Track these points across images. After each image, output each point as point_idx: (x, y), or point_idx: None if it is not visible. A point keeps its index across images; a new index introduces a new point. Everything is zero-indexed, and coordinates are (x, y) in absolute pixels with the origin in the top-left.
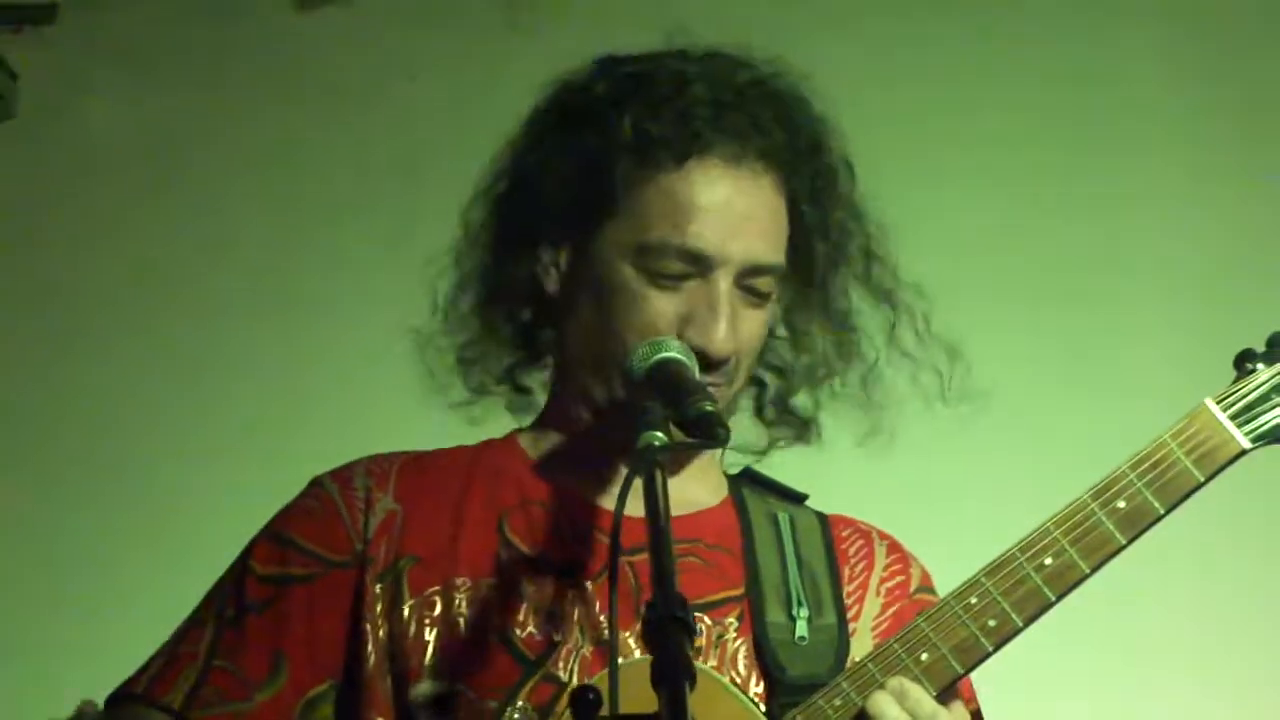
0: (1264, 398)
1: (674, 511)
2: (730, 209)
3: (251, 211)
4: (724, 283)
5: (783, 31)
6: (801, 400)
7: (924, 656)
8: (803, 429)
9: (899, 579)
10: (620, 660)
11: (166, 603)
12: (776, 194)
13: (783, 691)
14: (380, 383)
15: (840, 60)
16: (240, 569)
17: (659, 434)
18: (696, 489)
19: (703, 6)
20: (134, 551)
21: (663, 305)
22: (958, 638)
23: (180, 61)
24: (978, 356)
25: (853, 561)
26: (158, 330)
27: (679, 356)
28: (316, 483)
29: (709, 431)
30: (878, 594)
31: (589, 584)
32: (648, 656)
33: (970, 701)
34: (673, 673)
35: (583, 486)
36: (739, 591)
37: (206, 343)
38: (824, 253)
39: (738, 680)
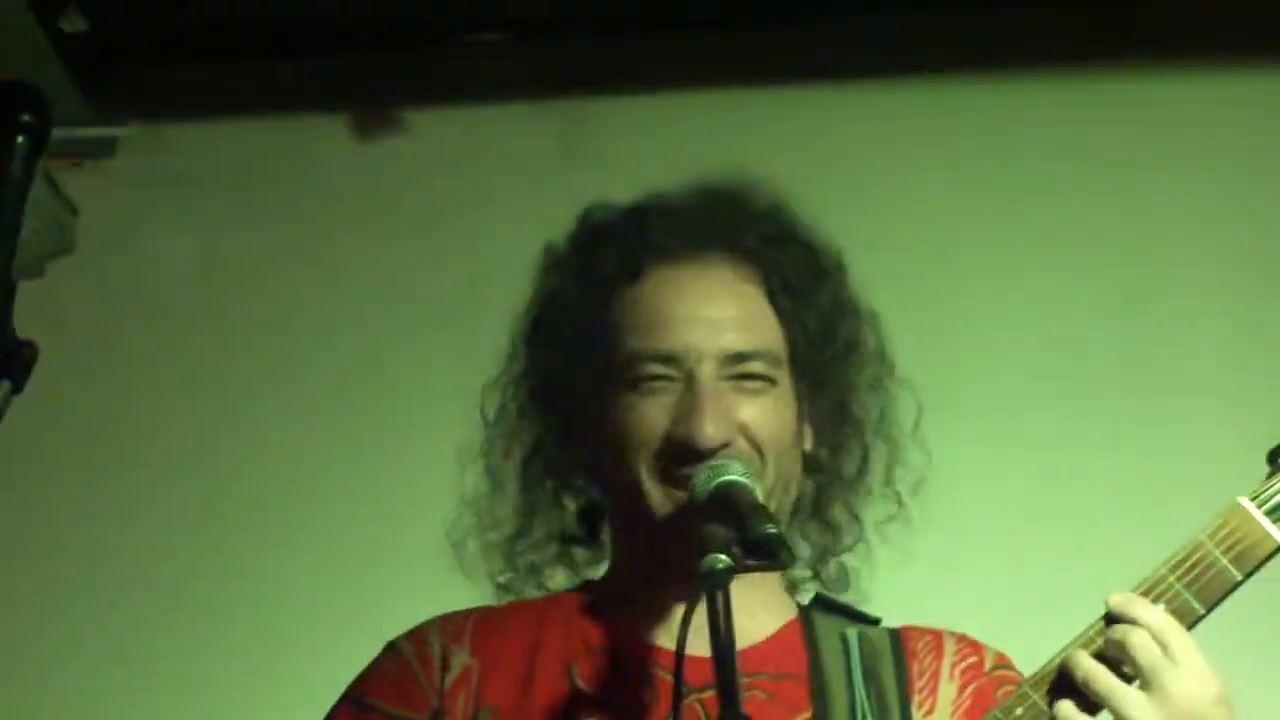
0: None
1: (738, 645)
2: (693, 304)
3: (311, 344)
4: (705, 376)
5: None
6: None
7: None
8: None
9: (971, 659)
10: None
11: None
12: (747, 283)
13: None
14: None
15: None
16: None
17: (722, 556)
18: (759, 619)
19: (768, 139)
20: None
21: (651, 409)
22: None
23: (239, 194)
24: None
25: (920, 656)
26: (219, 464)
27: (741, 480)
28: (392, 646)
29: (772, 554)
30: (951, 678)
31: None
32: None
33: None
34: None
35: (645, 628)
36: (806, 717)
37: (268, 475)
38: (813, 346)
39: None
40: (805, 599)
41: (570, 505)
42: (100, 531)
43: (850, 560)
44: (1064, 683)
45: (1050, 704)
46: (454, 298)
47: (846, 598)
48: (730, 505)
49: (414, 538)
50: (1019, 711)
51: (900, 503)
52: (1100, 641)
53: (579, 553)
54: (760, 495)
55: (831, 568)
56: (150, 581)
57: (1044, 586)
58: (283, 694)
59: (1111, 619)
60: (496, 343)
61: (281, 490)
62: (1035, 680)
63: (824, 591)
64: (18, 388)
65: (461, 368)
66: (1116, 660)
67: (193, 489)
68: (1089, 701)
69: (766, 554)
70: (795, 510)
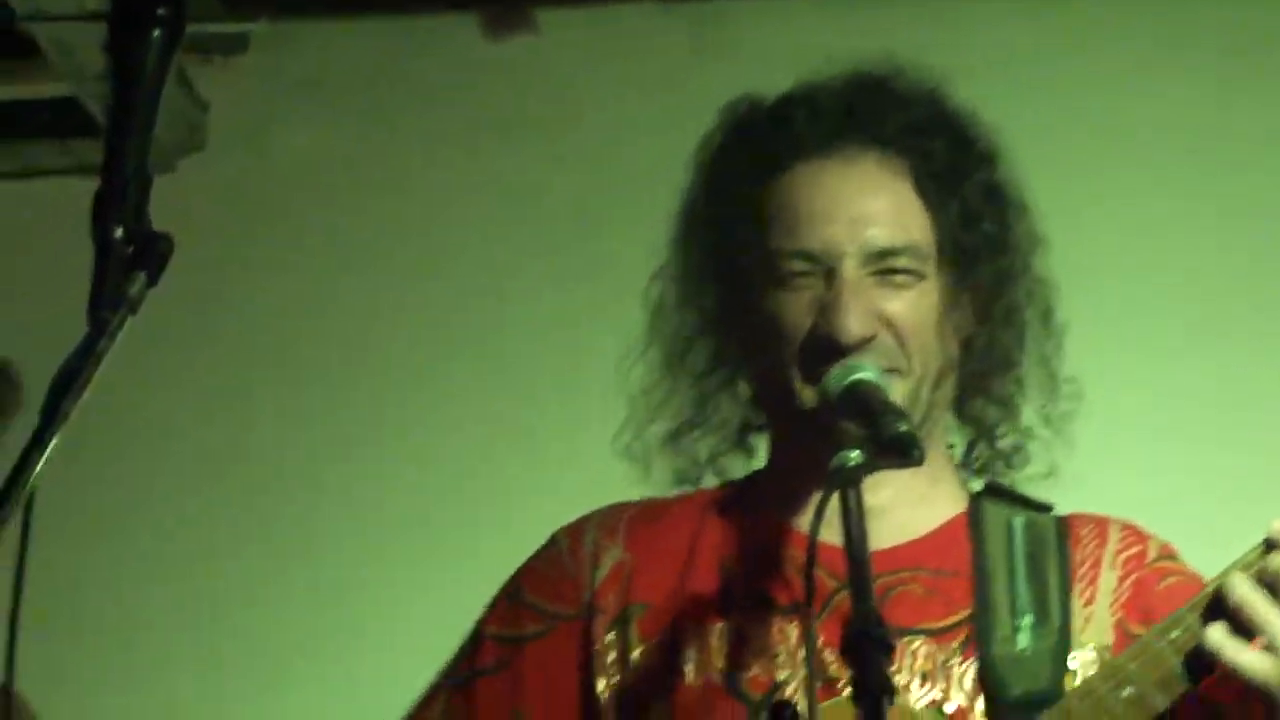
0: None
1: (896, 540)
2: (835, 200)
3: (440, 241)
4: (849, 272)
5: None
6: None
7: (1126, 692)
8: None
9: (1135, 549)
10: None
11: None
12: (892, 175)
13: (1003, 716)
14: (559, 413)
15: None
16: (477, 632)
17: (853, 454)
18: (924, 512)
19: (886, 26)
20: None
21: (794, 305)
22: (1159, 672)
23: (368, 93)
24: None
25: (1084, 542)
26: (346, 360)
27: (871, 378)
28: (552, 539)
29: (903, 452)
30: (1113, 567)
31: (812, 621)
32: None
33: None
34: (870, 688)
35: (798, 522)
36: (965, 614)
37: (392, 373)
38: (960, 236)
39: (963, 705)
40: (978, 484)
41: (745, 392)
42: (230, 418)
43: (1021, 437)
44: (1219, 607)
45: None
46: (583, 198)
47: (1020, 476)
48: (861, 403)
49: (533, 452)
50: (1175, 635)
51: (1060, 381)
52: (1259, 567)
53: (757, 441)
54: (899, 391)
55: (1006, 443)
56: (277, 470)
57: (1188, 488)
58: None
59: (1271, 545)
60: (624, 246)
61: (395, 392)
62: (1193, 604)
63: (999, 471)
64: (152, 281)
65: (590, 272)
66: (1273, 587)
67: (311, 387)
68: (1243, 627)
69: (898, 452)
70: (961, 394)
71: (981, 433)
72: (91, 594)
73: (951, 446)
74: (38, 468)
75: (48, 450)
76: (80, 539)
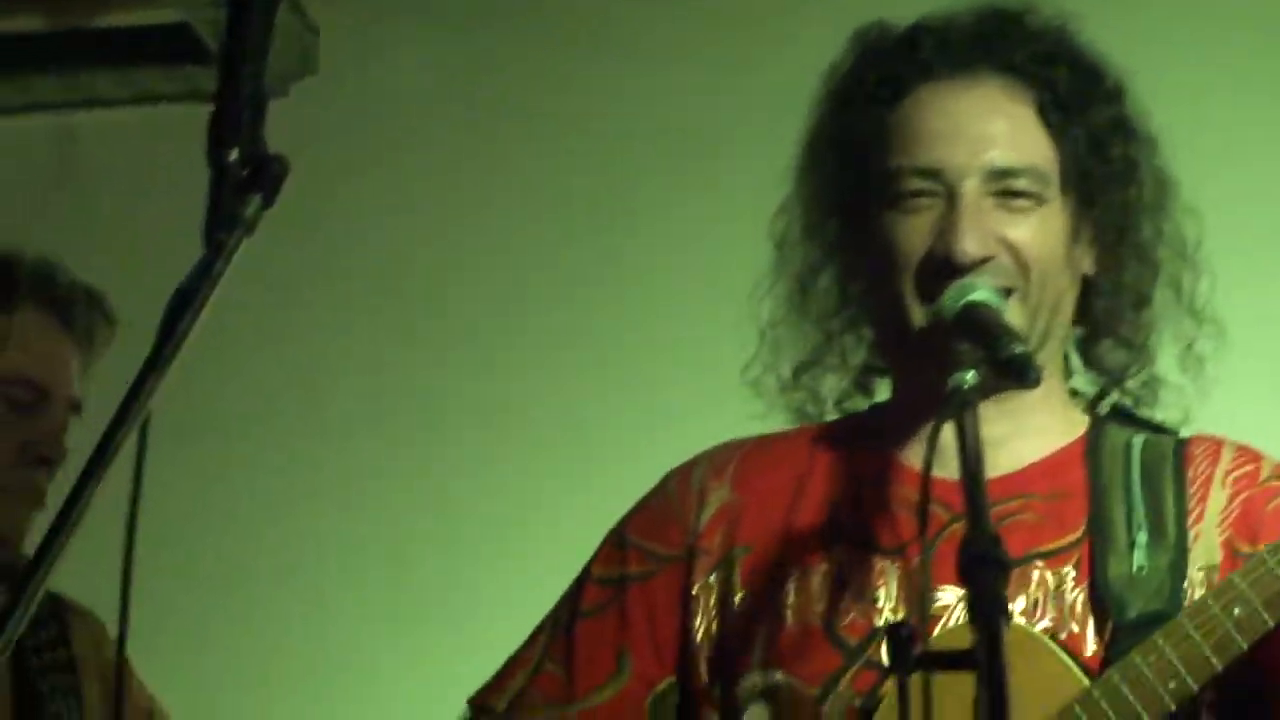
0: None
1: (1009, 468)
2: (957, 120)
3: (555, 164)
4: (969, 193)
5: None
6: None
7: (1237, 611)
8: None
9: (1247, 468)
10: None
11: None
12: (1016, 101)
13: (1122, 636)
14: (682, 348)
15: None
16: (583, 574)
17: (969, 374)
18: (1037, 441)
19: None
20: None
21: (913, 226)
22: (1268, 592)
23: (480, 14)
24: None
25: (1197, 461)
26: (465, 291)
27: (988, 299)
28: (662, 480)
29: (1020, 374)
30: (1223, 485)
31: (918, 560)
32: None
33: None
34: (986, 609)
35: (910, 454)
36: (1077, 535)
37: (511, 300)
38: (1085, 163)
39: (1075, 631)
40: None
41: (869, 335)
42: (353, 347)
43: (1152, 376)
44: None
45: None
46: (704, 122)
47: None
48: (977, 324)
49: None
50: None
51: (1199, 321)
52: None
53: (880, 384)
54: (1016, 313)
55: (1134, 384)
56: (387, 405)
57: None
58: None
59: None
60: (746, 171)
61: (511, 320)
62: None
63: (1124, 405)
64: (268, 202)
65: (723, 198)
66: None
67: (426, 312)
68: None
69: (1014, 374)
70: (1089, 332)
71: (1111, 379)
72: (200, 535)
73: (1075, 394)
74: (154, 393)
75: (165, 374)
76: (188, 479)
